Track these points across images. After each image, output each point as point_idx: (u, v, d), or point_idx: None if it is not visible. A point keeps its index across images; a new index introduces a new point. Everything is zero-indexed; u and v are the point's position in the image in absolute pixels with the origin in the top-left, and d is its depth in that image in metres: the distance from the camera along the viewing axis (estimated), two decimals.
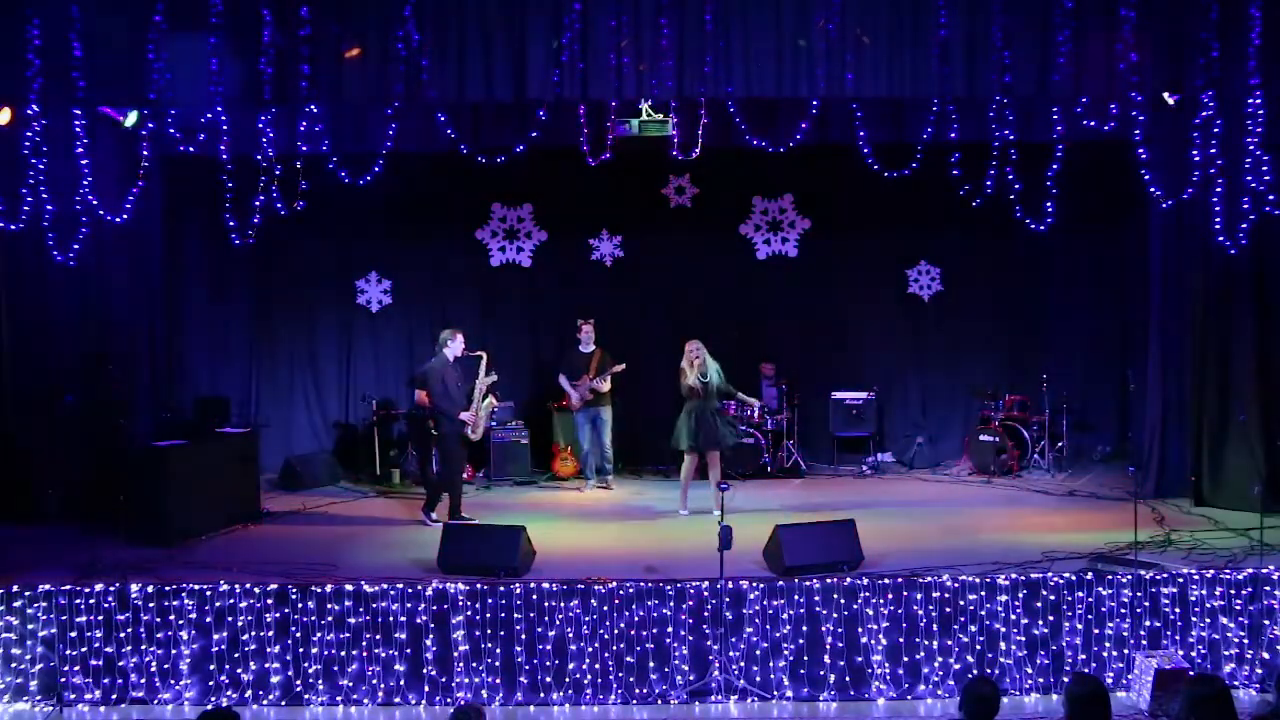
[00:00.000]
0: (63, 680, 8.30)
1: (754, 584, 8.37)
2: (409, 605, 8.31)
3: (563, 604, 8.30)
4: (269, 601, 8.34)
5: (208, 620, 8.33)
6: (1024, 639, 8.29)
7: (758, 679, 8.27)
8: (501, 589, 8.34)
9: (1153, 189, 10.45)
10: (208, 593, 8.37)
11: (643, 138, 10.64)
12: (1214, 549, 9.10)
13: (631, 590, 8.32)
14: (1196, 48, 9.42)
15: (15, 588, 8.40)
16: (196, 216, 12.34)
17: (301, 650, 8.31)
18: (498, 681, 8.27)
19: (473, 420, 10.80)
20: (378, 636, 8.30)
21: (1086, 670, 8.10)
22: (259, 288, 13.38)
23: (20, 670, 8.33)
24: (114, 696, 8.33)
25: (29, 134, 9.76)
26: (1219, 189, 10.11)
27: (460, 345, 10.84)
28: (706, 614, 8.29)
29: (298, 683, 8.31)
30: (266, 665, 8.32)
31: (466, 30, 9.50)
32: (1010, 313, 13.64)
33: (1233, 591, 8.30)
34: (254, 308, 13.39)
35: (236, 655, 8.32)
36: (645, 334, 13.13)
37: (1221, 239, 10.19)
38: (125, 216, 10.50)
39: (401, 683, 8.29)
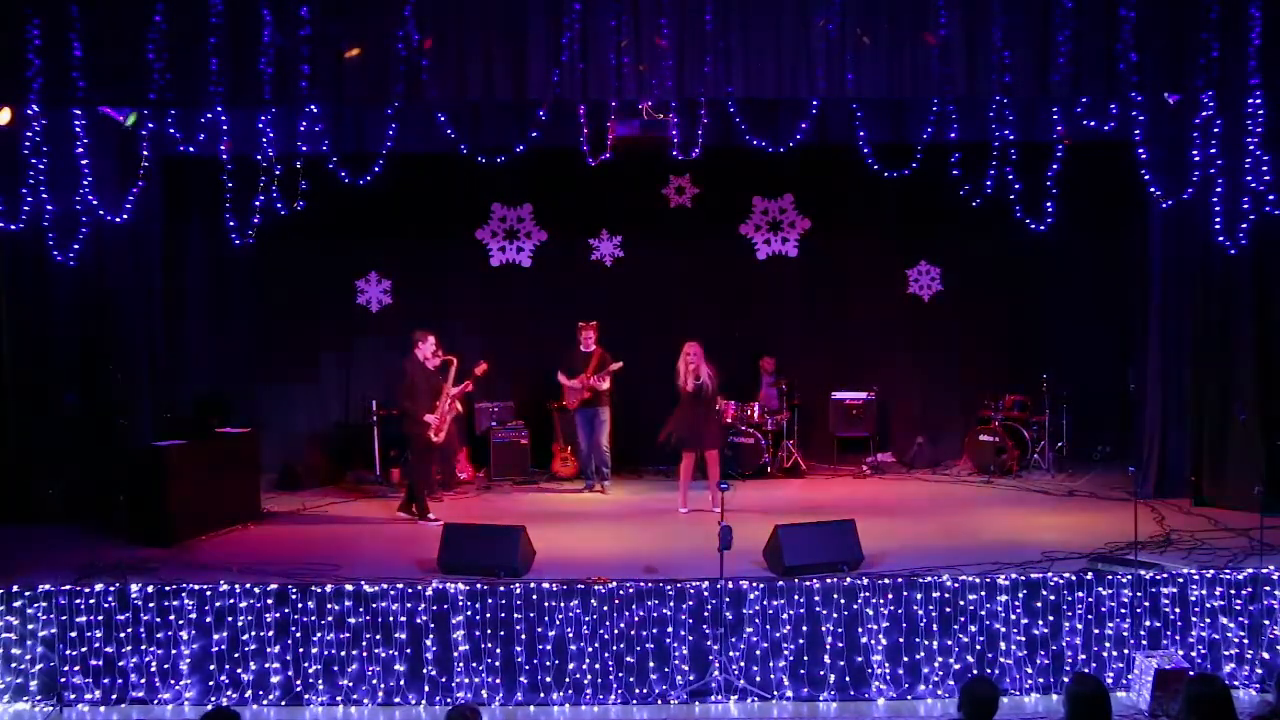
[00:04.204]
0: (63, 680, 8.30)
1: (754, 584, 8.36)
2: (409, 605, 8.30)
3: (562, 604, 8.29)
4: (269, 601, 8.33)
5: (208, 620, 8.32)
6: (1024, 639, 8.28)
7: (758, 679, 8.26)
8: (501, 589, 8.33)
9: (1153, 189, 10.44)
10: (208, 593, 8.36)
11: (643, 138, 10.63)
12: (1214, 549, 9.10)
13: (631, 590, 8.32)
14: (1196, 48, 9.40)
15: (15, 588, 8.39)
16: (196, 216, 12.36)
17: (301, 650, 8.30)
18: (497, 681, 8.27)
19: (436, 424, 10.86)
20: (378, 636, 8.29)
21: (1086, 670, 8.10)
22: (259, 287, 13.37)
23: (20, 670, 8.32)
24: (114, 696, 8.32)
25: (29, 134, 9.76)
26: (1219, 189, 10.12)
27: (430, 347, 11.01)
28: (706, 614, 8.29)
29: (298, 683, 8.30)
30: (266, 665, 8.31)
31: (466, 30, 9.49)
32: (1010, 313, 13.63)
33: (1233, 591, 8.30)
34: (254, 308, 13.37)
35: (236, 655, 8.31)
36: (645, 334, 13.11)
37: (1221, 239, 10.19)
38: (125, 216, 10.51)
39: (401, 683, 8.28)
